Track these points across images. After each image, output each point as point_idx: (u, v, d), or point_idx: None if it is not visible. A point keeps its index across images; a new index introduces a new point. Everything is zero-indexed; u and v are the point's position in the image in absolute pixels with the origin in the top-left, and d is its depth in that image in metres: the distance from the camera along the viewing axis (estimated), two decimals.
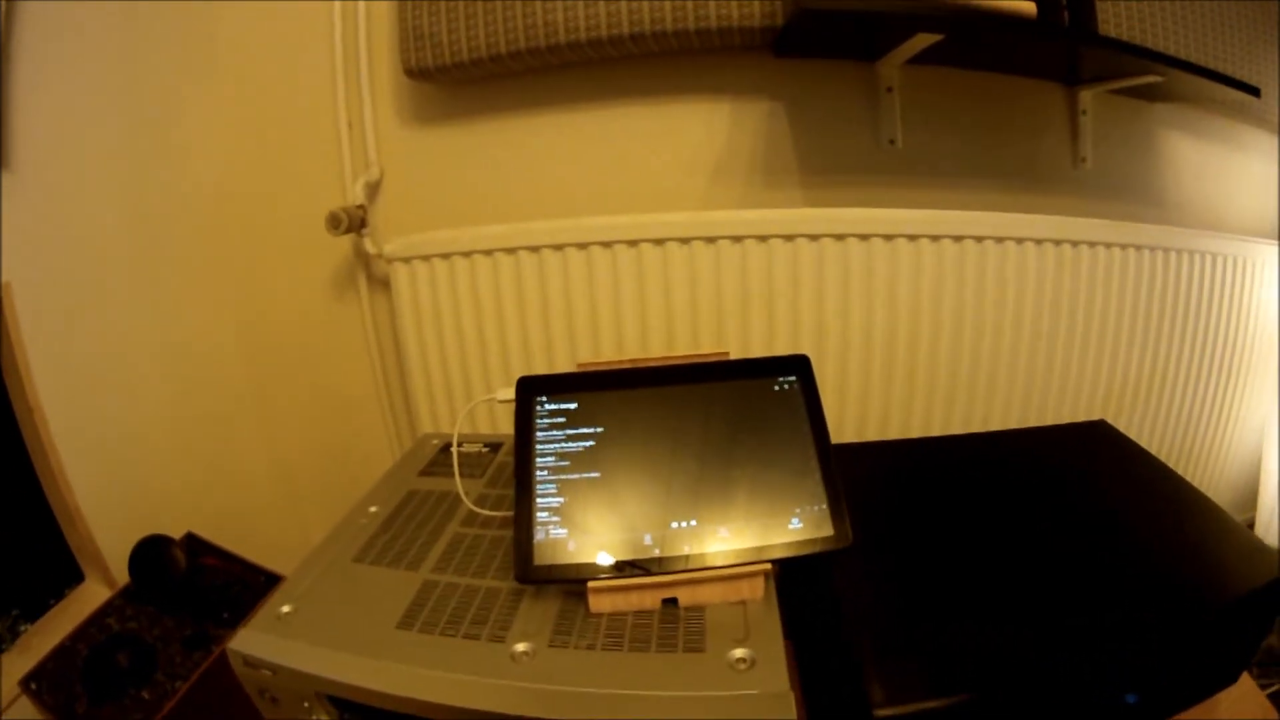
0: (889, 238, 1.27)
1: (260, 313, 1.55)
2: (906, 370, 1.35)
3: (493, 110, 1.38)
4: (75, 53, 1.26)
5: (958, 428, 1.39)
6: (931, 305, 1.32)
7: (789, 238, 1.27)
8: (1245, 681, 0.84)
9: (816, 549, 0.69)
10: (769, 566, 0.69)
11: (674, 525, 0.70)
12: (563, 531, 0.70)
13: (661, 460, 0.73)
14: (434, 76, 1.30)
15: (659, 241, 1.28)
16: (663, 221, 1.28)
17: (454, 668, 0.63)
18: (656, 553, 0.69)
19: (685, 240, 1.28)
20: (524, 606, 0.70)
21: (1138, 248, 1.43)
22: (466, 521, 0.85)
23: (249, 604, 1.20)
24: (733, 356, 0.81)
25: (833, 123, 1.36)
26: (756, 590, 0.69)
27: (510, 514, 0.73)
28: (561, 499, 0.72)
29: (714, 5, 1.19)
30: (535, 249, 1.31)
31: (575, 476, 0.73)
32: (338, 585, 0.75)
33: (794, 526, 0.70)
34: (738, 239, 1.27)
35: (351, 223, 1.34)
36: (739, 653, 0.62)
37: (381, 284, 1.47)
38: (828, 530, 0.70)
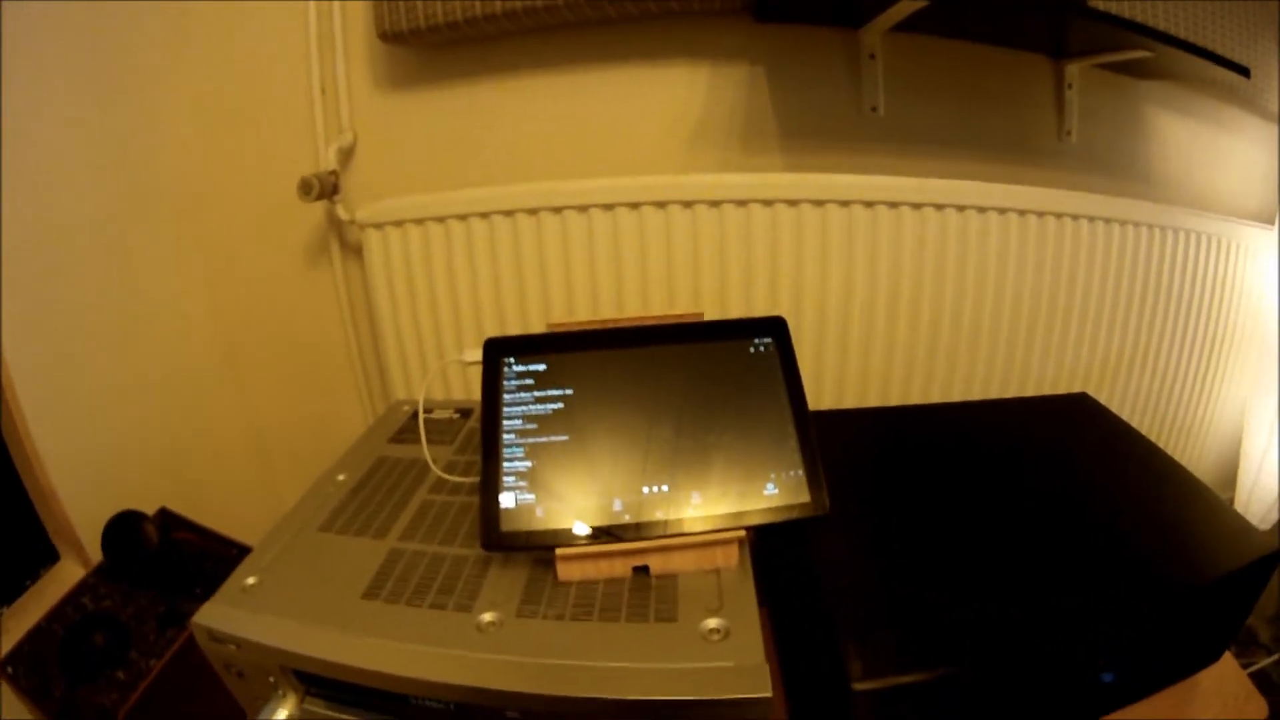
0: (870, 204, 1.26)
1: (232, 282, 1.53)
2: (886, 338, 1.34)
3: (468, 74, 1.35)
4: (42, 18, 1.22)
5: (938, 397, 1.38)
6: (912, 273, 1.31)
7: (768, 203, 1.25)
8: (1227, 660, 0.84)
9: (792, 516, 0.68)
10: (743, 533, 0.67)
11: (645, 490, 0.68)
12: (530, 497, 0.68)
13: (633, 423, 0.72)
14: (408, 40, 1.27)
15: (635, 205, 1.26)
16: (639, 185, 1.26)
17: (419, 639, 0.61)
18: (627, 519, 0.67)
19: (662, 204, 1.26)
20: (491, 575, 0.68)
21: (1122, 223, 1.42)
22: (435, 488, 0.83)
23: (222, 578, 1.18)
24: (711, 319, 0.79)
25: (814, 89, 1.34)
26: (730, 558, 0.67)
27: (479, 480, 0.71)
28: (529, 463, 0.70)
29: None
30: (510, 213, 1.29)
31: (544, 440, 0.71)
32: (303, 556, 0.74)
33: (769, 492, 0.68)
34: (715, 204, 1.26)
35: (323, 189, 1.32)
36: (712, 623, 0.60)
37: (355, 251, 1.45)
38: (804, 497, 0.68)
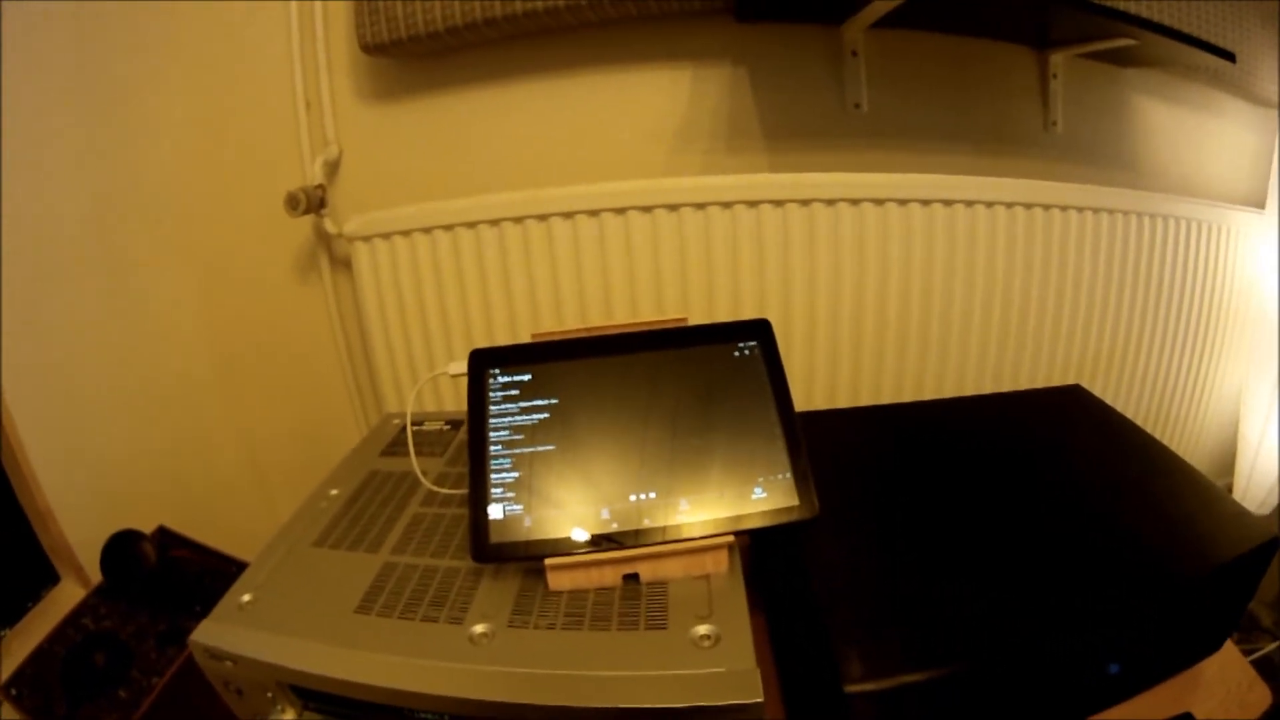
0: (855, 202, 1.26)
1: (224, 296, 1.53)
2: (876, 336, 1.34)
3: (451, 84, 1.35)
4: (29, 35, 1.22)
5: (930, 393, 1.38)
6: (900, 270, 1.31)
7: (753, 204, 1.25)
8: (1229, 648, 0.84)
9: (781, 519, 0.68)
10: (732, 539, 0.67)
11: (633, 498, 0.69)
12: (518, 508, 0.69)
13: (619, 431, 0.72)
14: (390, 51, 1.27)
15: (620, 210, 1.26)
16: (624, 190, 1.26)
17: (412, 652, 0.61)
18: (615, 527, 0.67)
19: (647, 209, 1.26)
20: (483, 586, 0.69)
21: (1110, 212, 1.42)
22: (426, 501, 0.83)
23: (220, 595, 1.18)
24: (696, 324, 0.79)
25: (796, 87, 1.34)
26: (720, 563, 0.67)
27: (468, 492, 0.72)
28: (516, 474, 0.70)
29: None
30: (495, 222, 1.29)
31: (530, 450, 0.71)
32: (298, 571, 0.74)
33: (758, 496, 0.69)
34: (701, 206, 1.26)
35: (310, 203, 1.32)
36: (702, 629, 0.61)
37: (343, 264, 1.45)
38: (793, 500, 0.69)
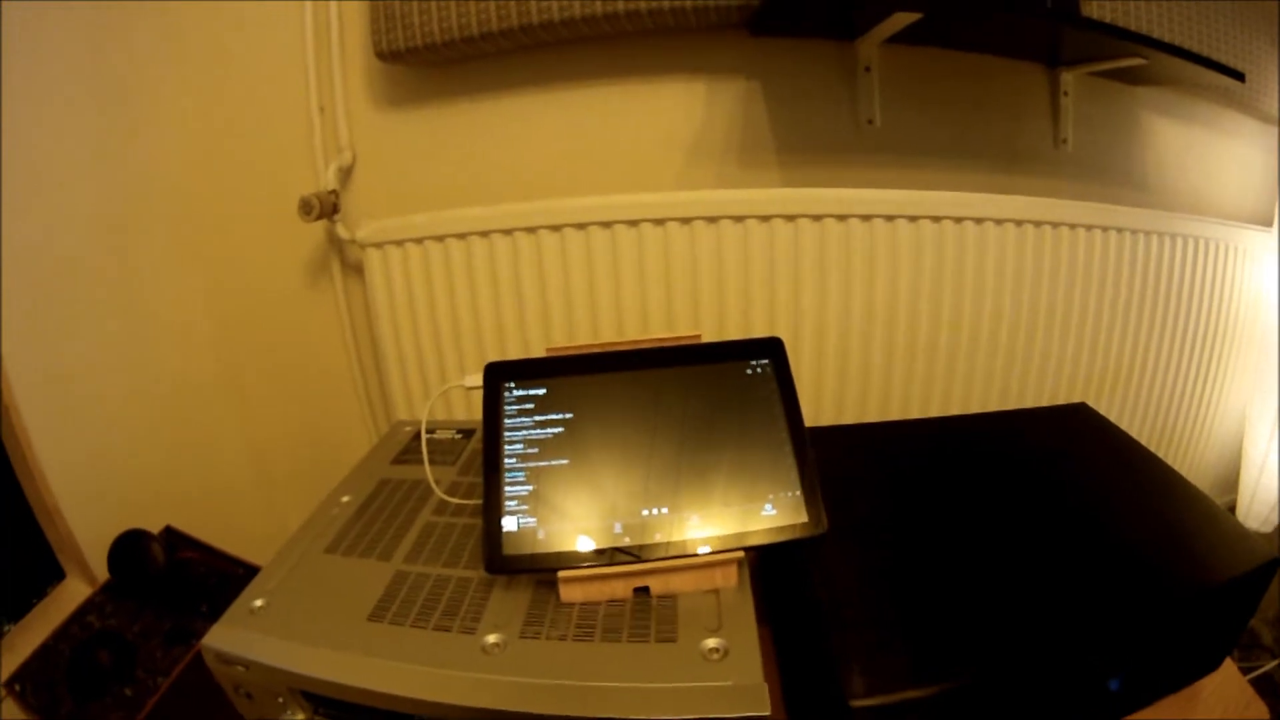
0: (866, 218, 1.27)
1: (235, 302, 1.53)
2: (885, 352, 1.34)
3: (466, 92, 1.36)
4: (44, 40, 1.23)
5: (937, 410, 1.39)
6: (910, 286, 1.31)
7: (765, 218, 1.26)
8: (1228, 666, 0.84)
9: (790, 536, 0.69)
10: (742, 554, 0.68)
11: (645, 513, 0.69)
12: (532, 520, 0.69)
13: (632, 446, 0.72)
14: (405, 59, 1.28)
15: (633, 223, 1.27)
16: (637, 202, 1.27)
17: (424, 661, 0.62)
18: (627, 541, 0.68)
19: (660, 221, 1.27)
20: (495, 596, 0.69)
21: (1119, 230, 1.43)
22: (439, 510, 0.84)
23: (227, 597, 1.18)
24: (709, 338, 0.79)
25: (810, 102, 1.35)
26: (730, 578, 0.68)
27: (481, 503, 0.72)
28: (530, 487, 0.71)
29: None
30: (509, 232, 1.30)
31: (544, 464, 0.72)
32: (310, 578, 0.74)
33: (767, 513, 0.69)
34: (713, 220, 1.26)
35: (324, 208, 1.33)
36: (711, 642, 0.61)
37: (355, 269, 1.46)
38: (802, 517, 0.69)
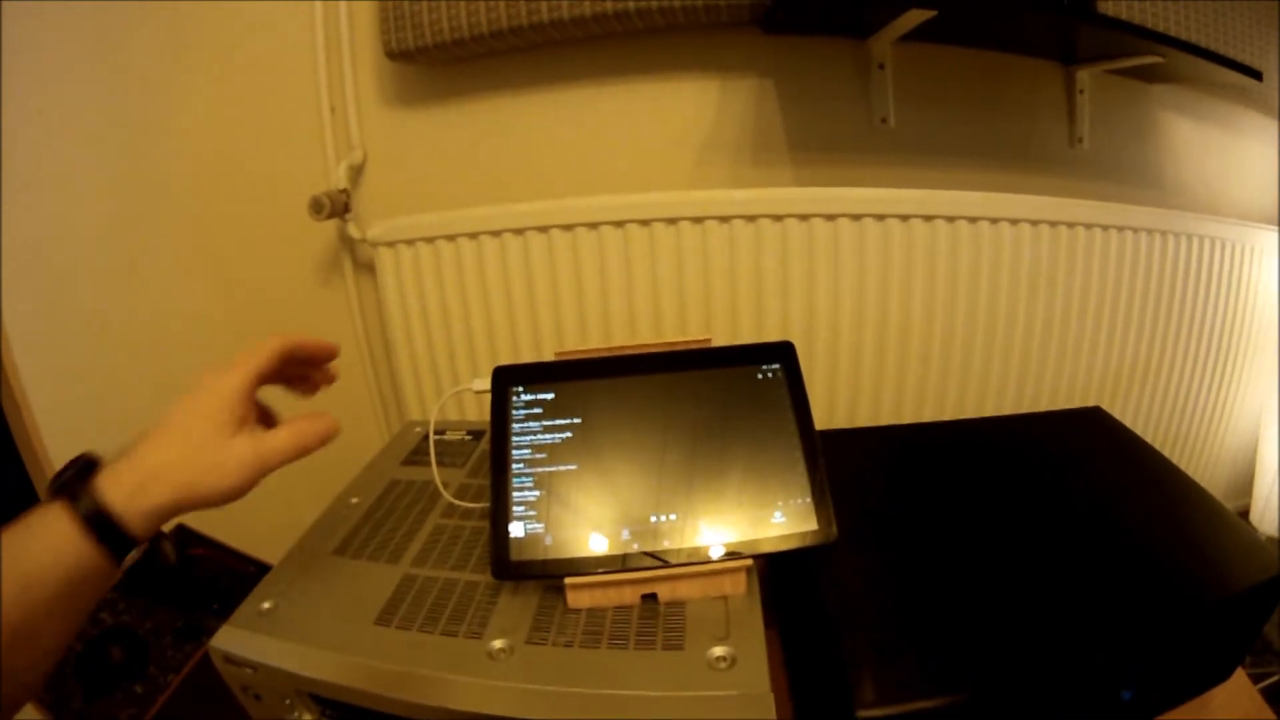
0: (880, 218, 1.25)
1: (245, 301, 1.54)
2: (898, 354, 1.33)
3: (476, 91, 1.36)
4: (55, 40, 1.24)
5: (950, 413, 1.38)
6: (924, 287, 1.30)
7: (778, 218, 1.25)
8: (1239, 677, 0.83)
9: (799, 544, 0.68)
10: (750, 562, 0.67)
11: (653, 519, 0.69)
12: (539, 526, 0.69)
13: (641, 452, 0.72)
14: (416, 58, 1.28)
15: (645, 222, 1.26)
16: (649, 202, 1.26)
17: (430, 665, 0.61)
18: (635, 547, 0.68)
19: (672, 221, 1.26)
20: (502, 601, 0.69)
21: (1135, 230, 1.41)
22: (447, 513, 0.84)
23: (239, 595, 1.19)
24: (721, 339, 0.79)
25: (823, 101, 1.34)
26: (738, 586, 0.67)
27: (489, 507, 0.72)
28: (538, 492, 0.70)
29: None
30: (520, 231, 1.29)
31: (552, 469, 0.72)
32: (318, 580, 0.74)
33: (777, 520, 0.69)
34: (725, 219, 1.25)
35: (335, 207, 1.33)
36: (719, 650, 0.60)
37: (367, 269, 1.46)
38: (811, 525, 0.69)
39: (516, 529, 0.69)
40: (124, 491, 0.57)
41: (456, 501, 0.84)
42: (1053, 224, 1.33)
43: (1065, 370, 1.42)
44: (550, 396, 0.75)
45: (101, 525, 0.54)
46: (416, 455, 0.98)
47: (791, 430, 0.73)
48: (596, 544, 0.68)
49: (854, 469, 0.88)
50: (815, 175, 1.36)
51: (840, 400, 1.36)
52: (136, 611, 1.15)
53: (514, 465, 0.72)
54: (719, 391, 0.75)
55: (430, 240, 1.33)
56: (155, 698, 1.05)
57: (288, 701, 0.68)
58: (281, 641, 0.66)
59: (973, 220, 1.28)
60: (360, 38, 1.36)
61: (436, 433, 1.03)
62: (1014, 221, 1.30)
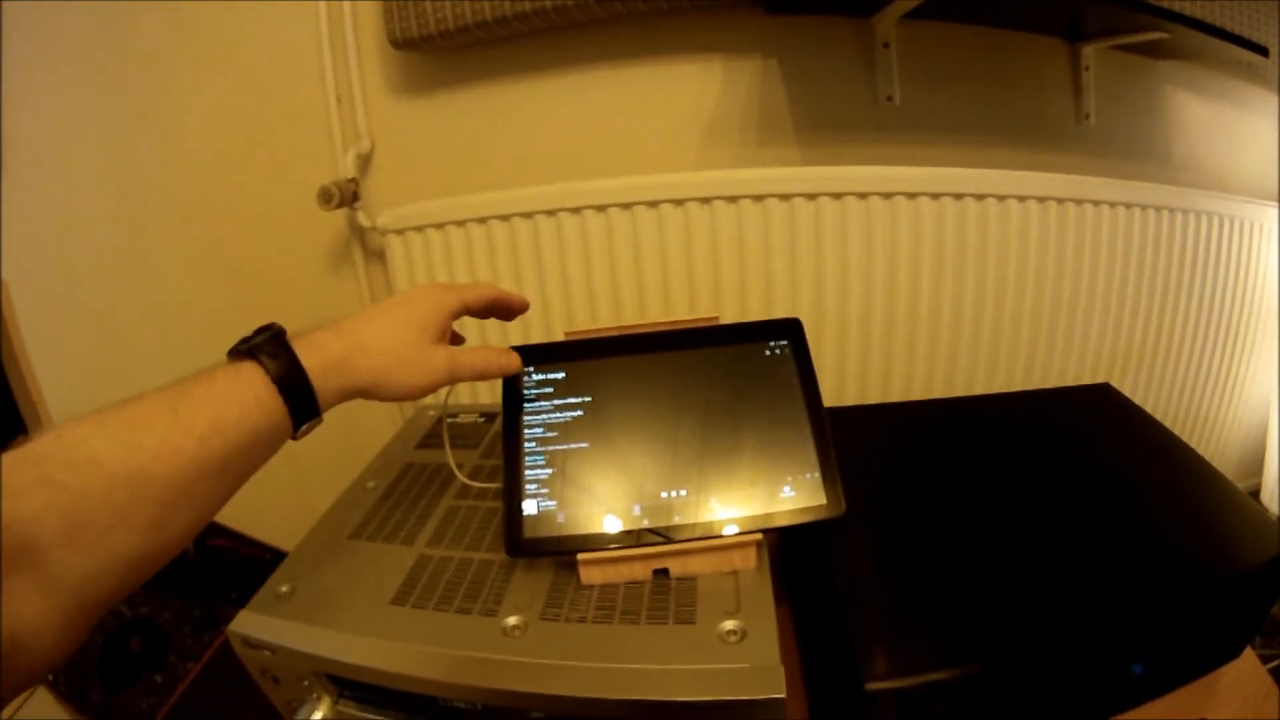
0: (887, 196, 1.25)
1: (256, 291, 1.54)
2: (907, 331, 1.33)
3: (481, 77, 1.36)
4: (60, 33, 1.24)
5: (959, 390, 1.38)
6: (932, 265, 1.30)
7: (785, 197, 1.25)
8: (1248, 656, 0.83)
9: (808, 518, 0.69)
10: (760, 536, 0.68)
11: (664, 495, 0.70)
12: (552, 503, 0.70)
13: (651, 429, 0.73)
14: (420, 46, 1.28)
15: (653, 204, 1.26)
16: (656, 183, 1.26)
17: (447, 643, 0.63)
18: (646, 523, 0.68)
19: (679, 202, 1.26)
20: (516, 579, 0.70)
21: (1143, 207, 1.40)
22: (461, 494, 0.85)
23: (256, 582, 1.20)
24: (730, 318, 0.80)
25: (828, 80, 1.33)
26: (748, 560, 0.68)
27: (502, 486, 0.73)
28: (550, 470, 0.71)
29: None
30: (529, 215, 1.30)
31: (564, 447, 0.72)
32: (335, 563, 0.75)
33: (786, 495, 0.69)
34: (733, 199, 1.25)
35: (343, 196, 1.33)
36: (729, 624, 0.61)
37: (377, 256, 1.46)
38: (820, 499, 0.69)
39: (529, 506, 0.70)
40: (324, 360, 0.59)
41: (470, 482, 0.85)
42: (1060, 201, 1.32)
43: (1074, 347, 1.42)
44: (561, 376, 0.76)
45: (295, 388, 0.56)
46: (430, 439, 0.99)
47: (800, 405, 0.73)
48: (608, 521, 0.69)
49: (864, 445, 0.89)
50: (821, 154, 1.35)
51: (850, 378, 1.36)
52: (156, 603, 1.16)
53: (526, 444, 0.73)
54: (728, 369, 0.75)
55: (440, 226, 1.33)
56: (175, 686, 1.06)
57: (306, 683, 0.69)
58: (299, 624, 0.67)
59: (979, 198, 1.28)
60: (364, 27, 1.36)
61: (450, 415, 1.04)
62: (1021, 199, 1.30)
